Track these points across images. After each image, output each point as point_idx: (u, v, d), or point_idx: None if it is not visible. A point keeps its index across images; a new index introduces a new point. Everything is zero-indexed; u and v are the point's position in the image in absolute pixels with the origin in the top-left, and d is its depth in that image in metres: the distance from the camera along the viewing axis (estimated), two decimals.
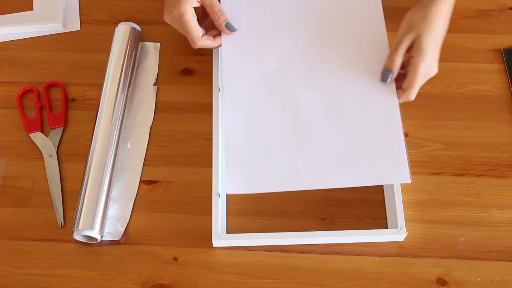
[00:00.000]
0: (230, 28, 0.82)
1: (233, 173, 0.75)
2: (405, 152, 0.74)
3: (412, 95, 0.77)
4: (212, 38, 0.82)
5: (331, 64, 0.81)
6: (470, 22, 0.92)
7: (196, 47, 0.82)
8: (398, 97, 0.77)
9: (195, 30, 0.80)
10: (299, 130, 0.77)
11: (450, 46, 0.90)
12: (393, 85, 0.78)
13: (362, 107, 0.78)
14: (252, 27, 0.84)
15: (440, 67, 0.88)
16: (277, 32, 0.84)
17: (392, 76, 0.77)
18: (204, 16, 0.85)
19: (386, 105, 0.77)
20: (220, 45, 0.83)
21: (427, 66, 0.75)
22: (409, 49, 0.76)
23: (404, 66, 0.78)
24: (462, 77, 0.88)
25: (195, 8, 0.80)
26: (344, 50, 0.82)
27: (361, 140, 0.76)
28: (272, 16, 0.85)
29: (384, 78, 0.78)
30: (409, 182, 0.72)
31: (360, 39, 0.82)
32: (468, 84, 0.87)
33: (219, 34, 0.84)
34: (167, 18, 0.81)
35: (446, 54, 0.89)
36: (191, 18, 0.79)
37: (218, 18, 0.81)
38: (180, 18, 0.79)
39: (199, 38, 0.81)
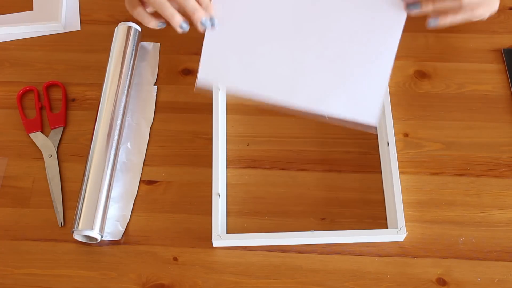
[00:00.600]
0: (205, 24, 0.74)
1: (206, 63, 0.71)
2: (382, 93, 0.70)
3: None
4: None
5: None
6: (470, 22, 0.92)
7: (150, 25, 0.76)
8: (457, 13, 0.67)
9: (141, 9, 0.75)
10: (290, 42, 0.72)
11: (450, 46, 0.90)
12: (402, 22, 0.70)
13: (360, 36, 0.72)
14: None
15: (440, 67, 0.88)
16: None
17: (420, 8, 0.68)
18: None
19: (386, 40, 0.71)
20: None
21: None
22: None
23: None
24: (462, 77, 0.88)
25: None
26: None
27: (347, 68, 0.71)
28: None
29: (410, 6, 0.68)
30: (375, 125, 0.69)
31: None
32: (468, 84, 0.87)
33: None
34: (126, 4, 0.77)
35: (446, 54, 0.89)
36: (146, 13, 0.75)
37: (193, 15, 0.72)
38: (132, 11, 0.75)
39: (149, 17, 0.76)
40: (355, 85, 0.71)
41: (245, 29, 0.74)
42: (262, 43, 0.73)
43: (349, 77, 0.71)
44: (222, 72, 0.70)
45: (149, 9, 0.77)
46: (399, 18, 0.70)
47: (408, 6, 0.69)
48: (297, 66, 0.72)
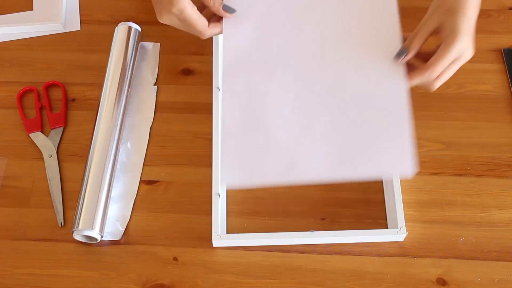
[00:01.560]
0: (228, 10, 0.77)
1: (229, 162, 0.70)
2: (410, 143, 0.69)
3: (434, 73, 0.68)
4: (219, 24, 0.77)
5: (337, 49, 0.76)
6: None
7: (206, 37, 0.77)
8: (418, 75, 0.69)
9: (200, 22, 0.74)
10: (300, 118, 0.72)
11: None
12: (402, 73, 0.72)
13: (368, 95, 0.72)
14: (254, 10, 0.79)
15: None
16: (281, 16, 0.78)
17: (406, 56, 0.70)
18: (201, 5, 0.78)
19: (394, 93, 0.71)
20: None
21: (462, 48, 0.68)
22: (439, 31, 0.70)
23: (428, 55, 0.71)
24: (462, 77, 0.88)
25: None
26: (352, 35, 0.76)
27: (365, 130, 0.71)
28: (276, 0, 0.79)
29: (397, 55, 0.71)
30: (412, 176, 0.69)
31: (370, 25, 0.76)
32: (468, 84, 0.87)
33: (221, 18, 0.78)
34: (165, 19, 0.76)
35: None
36: (193, 11, 0.73)
37: (214, 3, 0.76)
38: (181, 14, 0.75)
39: (207, 28, 0.75)
40: (378, 142, 0.70)
41: (256, 121, 0.73)
42: (275, 128, 0.72)
43: (370, 138, 0.70)
44: (245, 173, 0.70)
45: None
46: (402, 86, 0.71)
47: (394, 57, 0.72)
48: (313, 141, 0.71)
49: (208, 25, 0.75)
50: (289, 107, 0.73)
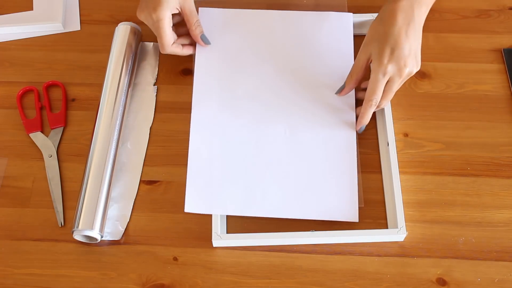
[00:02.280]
0: (204, 40, 0.84)
1: (192, 192, 0.77)
2: (356, 192, 0.77)
3: (373, 101, 0.77)
4: (181, 46, 0.84)
5: (297, 96, 0.83)
6: (470, 22, 0.92)
7: (164, 52, 0.83)
8: (361, 111, 0.79)
9: (168, 37, 0.81)
10: (260, 159, 0.79)
11: (450, 46, 0.90)
12: (354, 124, 0.81)
13: (322, 142, 0.80)
14: (225, 47, 0.87)
15: (440, 67, 0.88)
16: (249, 57, 0.86)
17: (343, 91, 0.81)
18: (182, 23, 0.85)
19: (345, 142, 0.80)
20: (188, 54, 0.86)
21: (390, 70, 0.74)
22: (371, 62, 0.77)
23: None
24: (462, 77, 0.88)
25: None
26: (311, 83, 0.84)
27: (317, 175, 0.78)
28: (246, 41, 0.87)
29: (337, 91, 0.81)
30: (357, 221, 0.75)
31: (328, 75, 0.84)
32: (468, 84, 0.87)
33: (191, 44, 0.86)
34: (142, 17, 0.82)
35: (446, 54, 0.89)
36: (167, 26, 0.80)
37: (195, 28, 0.83)
38: (157, 22, 0.80)
39: (169, 45, 0.82)
40: (329, 188, 0.77)
41: (221, 157, 0.80)
42: (238, 166, 0.79)
43: (321, 183, 0.78)
44: (207, 203, 0.77)
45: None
46: (352, 137, 0.81)
47: (337, 91, 0.82)
48: (271, 181, 0.78)
49: (173, 43, 0.83)
50: (251, 148, 0.80)
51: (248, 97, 0.83)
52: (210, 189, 0.77)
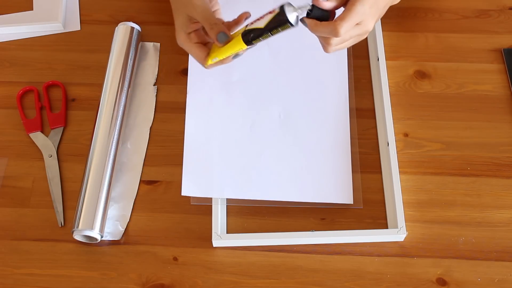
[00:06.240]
0: (219, 39, 0.73)
1: (189, 176, 0.78)
2: (351, 175, 0.78)
3: (339, 29, 0.66)
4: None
5: (292, 80, 0.84)
6: (470, 22, 0.92)
7: (207, 68, 0.77)
8: (324, 26, 0.67)
9: (197, 56, 0.76)
10: (255, 141, 0.80)
11: (450, 46, 0.90)
12: (347, 108, 0.81)
13: (316, 126, 0.81)
14: None
15: (440, 67, 0.88)
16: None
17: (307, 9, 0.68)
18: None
19: (339, 126, 0.81)
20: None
21: (364, 12, 0.67)
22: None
23: None
24: (462, 77, 0.88)
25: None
26: (306, 67, 0.85)
27: (312, 158, 0.79)
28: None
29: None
30: (351, 203, 0.76)
31: (323, 59, 0.82)
32: (468, 84, 0.87)
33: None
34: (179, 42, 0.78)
35: (446, 54, 0.89)
36: (191, 45, 0.75)
37: (210, 32, 0.74)
38: (183, 46, 0.77)
39: (204, 59, 0.76)
40: (323, 171, 0.78)
41: (217, 141, 0.80)
42: (234, 149, 0.80)
43: (315, 166, 0.79)
44: (204, 186, 0.77)
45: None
46: (346, 121, 0.82)
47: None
48: (266, 164, 0.79)
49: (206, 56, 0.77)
50: (246, 131, 0.80)
51: (243, 81, 0.84)
52: (206, 173, 0.78)
